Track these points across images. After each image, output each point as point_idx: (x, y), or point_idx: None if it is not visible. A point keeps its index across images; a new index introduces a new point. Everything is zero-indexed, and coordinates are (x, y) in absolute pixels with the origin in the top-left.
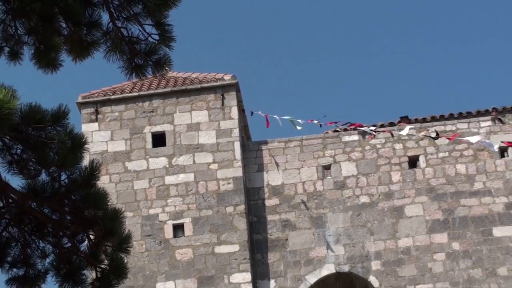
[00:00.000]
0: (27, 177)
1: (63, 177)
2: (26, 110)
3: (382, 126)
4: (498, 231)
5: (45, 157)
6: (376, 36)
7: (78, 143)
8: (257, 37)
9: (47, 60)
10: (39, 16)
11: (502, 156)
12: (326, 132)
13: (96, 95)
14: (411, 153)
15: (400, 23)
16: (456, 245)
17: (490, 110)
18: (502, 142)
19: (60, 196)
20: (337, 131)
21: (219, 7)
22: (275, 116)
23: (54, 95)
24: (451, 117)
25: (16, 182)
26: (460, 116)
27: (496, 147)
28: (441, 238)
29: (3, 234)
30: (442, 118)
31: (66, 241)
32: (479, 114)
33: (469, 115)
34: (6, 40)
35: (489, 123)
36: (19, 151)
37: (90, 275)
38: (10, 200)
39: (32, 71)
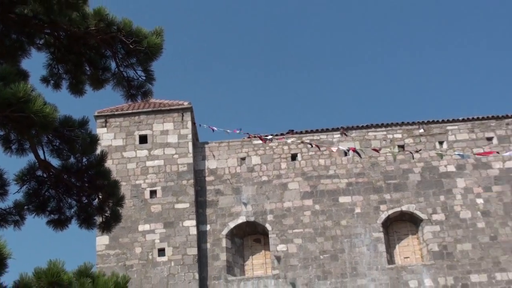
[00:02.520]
0: (62, 159)
1: (84, 160)
2: (62, 119)
3: (276, 135)
4: (342, 199)
5: (73, 147)
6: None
7: (93, 140)
8: (202, 69)
9: (77, 89)
10: (72, 62)
11: (346, 155)
12: (243, 138)
13: (106, 111)
14: (293, 151)
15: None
16: (317, 207)
17: (339, 127)
18: (349, 148)
19: (81, 171)
20: (249, 137)
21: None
22: (214, 127)
23: (80, 110)
24: (317, 131)
25: (55, 162)
26: (322, 130)
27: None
28: (308, 202)
29: (46, 193)
30: (312, 131)
31: (84, 199)
32: (333, 130)
33: (327, 130)
34: (51, 76)
35: (339, 135)
36: (57, 143)
37: (99, 220)
38: (50, 173)
39: (67, 95)
